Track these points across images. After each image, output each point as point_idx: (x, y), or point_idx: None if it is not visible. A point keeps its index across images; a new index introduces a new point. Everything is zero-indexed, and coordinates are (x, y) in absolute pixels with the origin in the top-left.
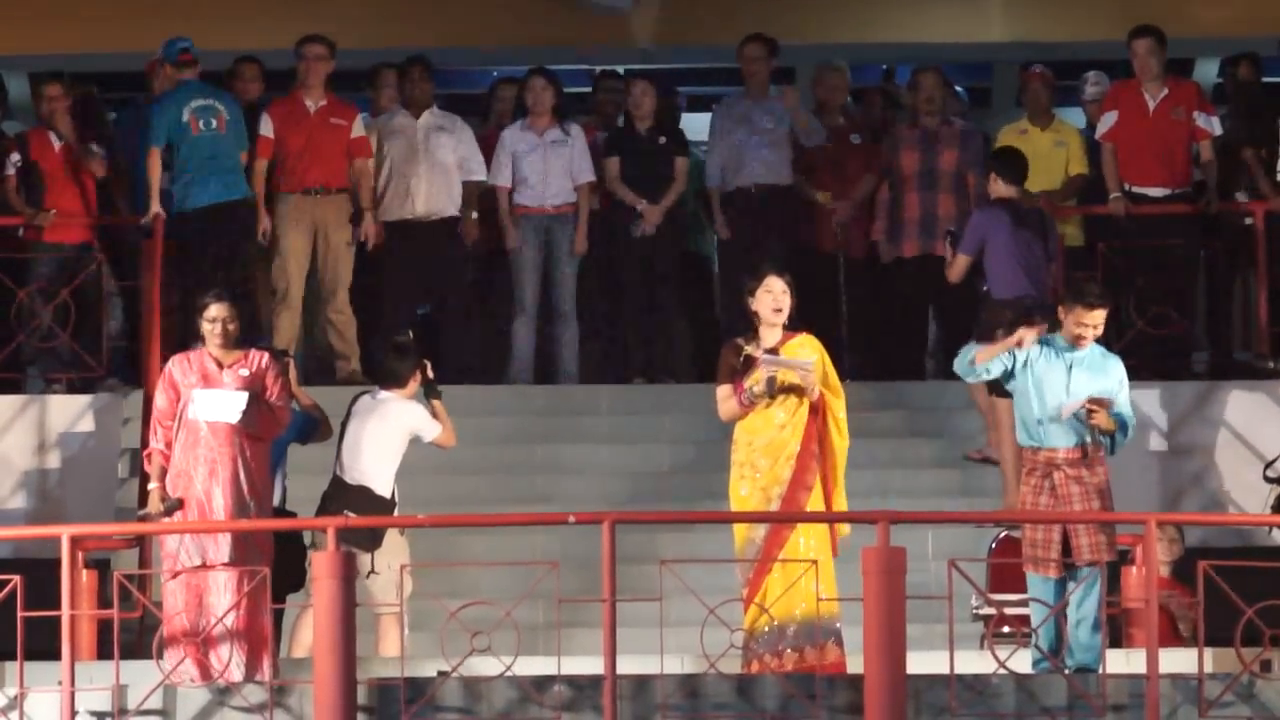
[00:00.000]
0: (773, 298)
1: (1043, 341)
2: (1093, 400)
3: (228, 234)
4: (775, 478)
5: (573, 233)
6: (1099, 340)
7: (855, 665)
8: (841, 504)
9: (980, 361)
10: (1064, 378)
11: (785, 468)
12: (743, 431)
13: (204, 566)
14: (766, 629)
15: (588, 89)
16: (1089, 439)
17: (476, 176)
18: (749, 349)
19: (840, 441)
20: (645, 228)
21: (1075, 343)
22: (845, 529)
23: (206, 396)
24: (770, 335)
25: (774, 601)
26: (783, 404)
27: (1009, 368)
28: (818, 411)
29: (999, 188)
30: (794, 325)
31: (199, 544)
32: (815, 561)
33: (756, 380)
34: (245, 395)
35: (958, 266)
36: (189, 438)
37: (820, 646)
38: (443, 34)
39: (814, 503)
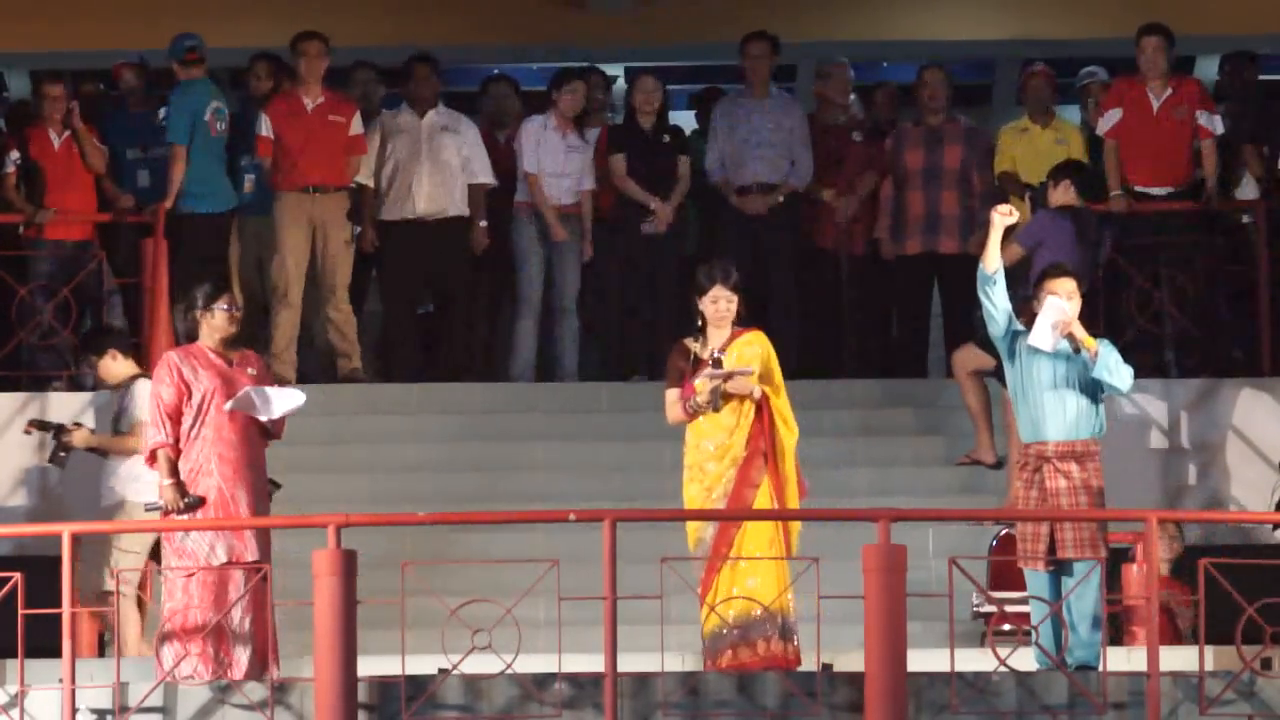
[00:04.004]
0: (718, 306)
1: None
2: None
3: (220, 241)
4: (719, 477)
5: (576, 230)
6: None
7: (809, 662)
8: (793, 500)
9: (988, 267)
10: (1050, 361)
11: (730, 469)
12: (693, 434)
13: (231, 564)
14: (722, 627)
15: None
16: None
17: (480, 179)
18: (696, 350)
19: (789, 437)
20: (658, 225)
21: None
22: (797, 526)
23: (274, 393)
24: (717, 336)
25: (725, 600)
26: (730, 407)
27: (1006, 327)
28: (763, 411)
29: (1071, 196)
30: (743, 322)
31: (227, 542)
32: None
33: (701, 391)
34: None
35: (1010, 253)
36: (214, 435)
37: (770, 640)
38: (446, 31)
39: (761, 500)
